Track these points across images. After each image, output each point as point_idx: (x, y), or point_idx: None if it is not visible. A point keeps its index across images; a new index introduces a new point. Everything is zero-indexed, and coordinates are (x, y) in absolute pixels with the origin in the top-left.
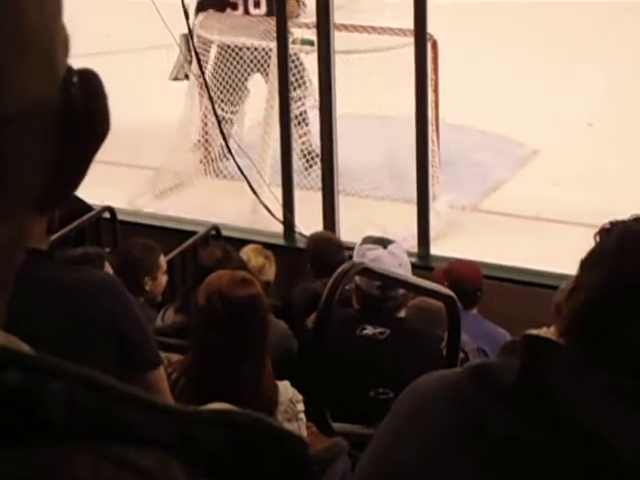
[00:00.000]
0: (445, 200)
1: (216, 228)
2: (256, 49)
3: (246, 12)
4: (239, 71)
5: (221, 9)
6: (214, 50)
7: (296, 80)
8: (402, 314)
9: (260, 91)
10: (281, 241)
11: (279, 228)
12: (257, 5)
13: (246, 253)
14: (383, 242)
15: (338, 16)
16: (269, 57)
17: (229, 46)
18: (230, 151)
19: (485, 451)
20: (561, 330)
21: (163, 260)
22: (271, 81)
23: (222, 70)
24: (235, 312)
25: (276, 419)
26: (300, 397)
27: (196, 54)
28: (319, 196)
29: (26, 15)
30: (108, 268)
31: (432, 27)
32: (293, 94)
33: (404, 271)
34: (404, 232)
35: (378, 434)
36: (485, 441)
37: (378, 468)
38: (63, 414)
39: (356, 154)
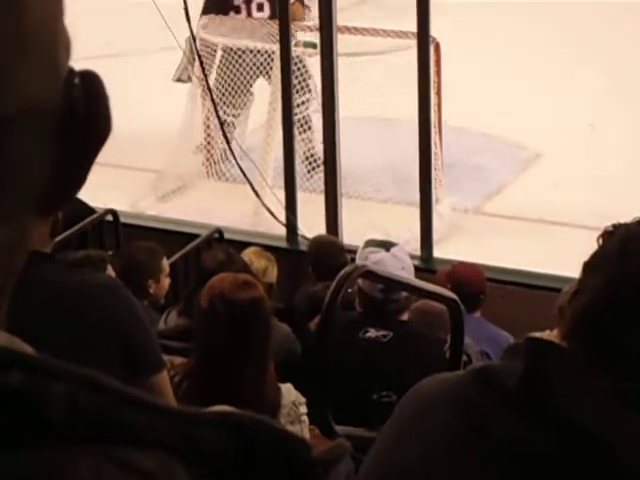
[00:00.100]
0: (448, 203)
1: (219, 231)
2: (259, 52)
3: (249, 16)
4: (242, 74)
5: (224, 12)
6: (219, 53)
7: (299, 84)
8: (405, 317)
9: (263, 94)
10: (284, 244)
11: (282, 231)
12: (260, 8)
13: (248, 255)
14: (386, 245)
15: (341, 18)
16: (272, 60)
17: (232, 49)
18: (233, 154)
19: (488, 454)
20: (564, 333)
21: (166, 263)
22: (274, 84)
23: (225, 73)
24: (237, 315)
25: (279, 422)
26: (303, 400)
27: (199, 57)
28: (322, 199)
29: (27, 15)
30: (110, 271)
31: (432, 27)
32: (297, 99)
33: (407, 274)
34: (407, 235)
35: (381, 437)
36: (488, 444)
37: (381, 471)
38: (65, 415)
39: (359, 157)
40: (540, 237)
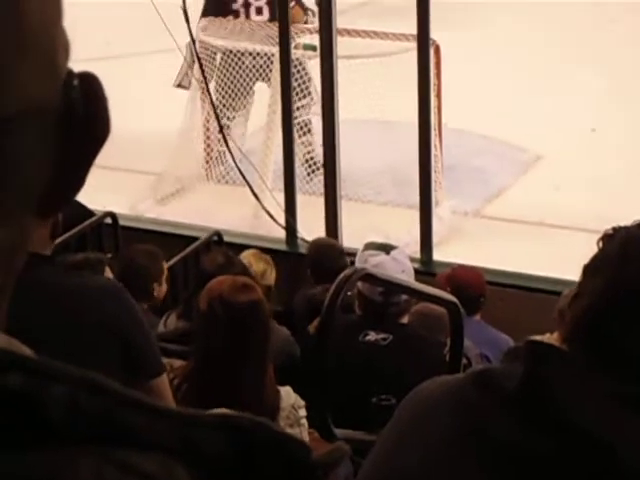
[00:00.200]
0: (448, 206)
1: (218, 234)
2: (258, 54)
3: (248, 19)
4: (241, 76)
5: (223, 16)
6: (218, 56)
7: (300, 88)
8: (405, 320)
9: (263, 97)
10: (283, 246)
11: (281, 233)
12: (259, 12)
13: (247, 258)
14: (386, 248)
15: (341, 21)
16: (271, 62)
17: (231, 51)
18: (232, 156)
19: (488, 457)
20: (564, 336)
21: (165, 266)
22: (273, 86)
23: (224, 75)
24: (236, 317)
25: (278, 425)
26: (302, 403)
27: (198, 59)
28: (321, 201)
29: (26, 15)
30: (108, 273)
31: (432, 28)
32: (297, 103)
33: (407, 277)
34: (407, 238)
35: (380, 440)
36: (488, 447)
37: (380, 474)
38: (65, 417)
39: (358, 159)
40: (540, 240)
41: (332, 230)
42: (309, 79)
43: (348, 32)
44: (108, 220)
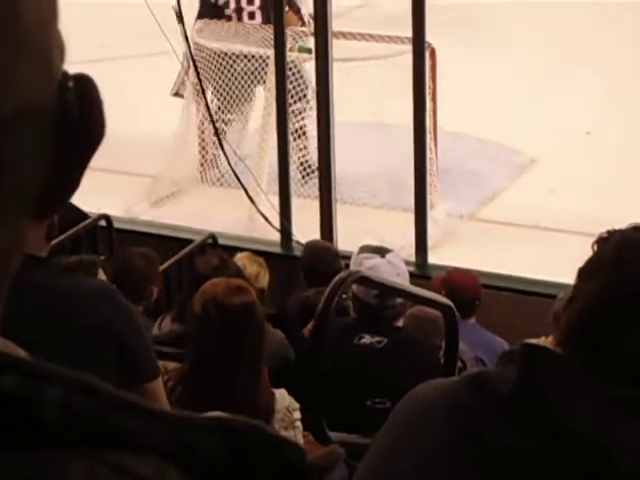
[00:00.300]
0: (443, 208)
1: (213, 236)
2: (253, 56)
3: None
4: (236, 79)
5: (217, 20)
6: (215, 59)
7: (296, 91)
8: (400, 323)
9: (258, 99)
10: (278, 249)
11: (276, 236)
12: (252, 17)
13: (241, 260)
14: (381, 251)
15: (336, 24)
16: (267, 65)
17: (226, 53)
18: (227, 159)
19: (483, 460)
20: (559, 339)
21: (159, 268)
22: (269, 88)
23: (219, 77)
24: (230, 319)
25: (272, 427)
26: (297, 405)
27: (193, 61)
28: (316, 204)
29: (21, 16)
30: (102, 275)
31: (429, 29)
32: (293, 107)
33: (402, 280)
34: (402, 241)
35: (375, 443)
36: (483, 450)
37: (375, 477)
38: (59, 419)
39: (354, 162)
40: (535, 243)
41: (327, 233)
42: (304, 81)
43: (343, 35)
44: (103, 222)
